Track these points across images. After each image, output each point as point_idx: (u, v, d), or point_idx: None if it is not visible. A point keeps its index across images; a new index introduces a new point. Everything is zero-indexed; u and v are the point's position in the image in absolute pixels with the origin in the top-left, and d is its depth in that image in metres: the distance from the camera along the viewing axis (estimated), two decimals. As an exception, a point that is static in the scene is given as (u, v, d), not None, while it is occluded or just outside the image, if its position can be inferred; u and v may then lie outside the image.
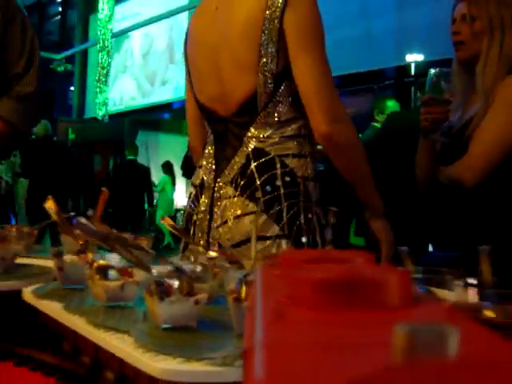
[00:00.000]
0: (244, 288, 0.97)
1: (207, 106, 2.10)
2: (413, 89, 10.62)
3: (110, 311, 1.15)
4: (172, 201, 13.82)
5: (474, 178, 2.24)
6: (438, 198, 2.48)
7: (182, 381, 0.85)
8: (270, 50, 1.91)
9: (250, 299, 0.71)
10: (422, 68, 10.20)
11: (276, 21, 1.89)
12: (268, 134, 1.96)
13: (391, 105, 5.86)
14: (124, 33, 16.86)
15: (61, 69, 18.69)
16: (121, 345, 0.98)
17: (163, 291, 1.01)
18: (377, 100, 6.03)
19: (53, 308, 1.22)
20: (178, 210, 14.14)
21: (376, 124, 5.56)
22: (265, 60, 1.91)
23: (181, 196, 14.56)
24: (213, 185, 2.04)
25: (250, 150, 1.97)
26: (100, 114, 14.43)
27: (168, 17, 15.31)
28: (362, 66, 11.05)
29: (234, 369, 0.84)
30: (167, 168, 13.67)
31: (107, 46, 14.80)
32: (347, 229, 4.85)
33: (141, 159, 15.19)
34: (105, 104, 14.22)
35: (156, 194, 13.36)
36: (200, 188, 2.10)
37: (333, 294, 0.55)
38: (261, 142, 1.96)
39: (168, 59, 16.53)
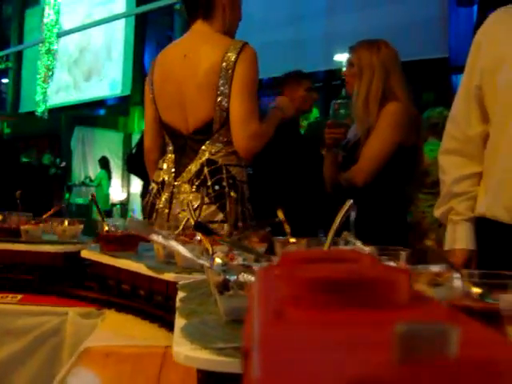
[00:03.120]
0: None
1: (170, 125, 2.75)
2: (342, 91, 10.70)
3: (211, 303, 1.20)
4: (108, 195, 13.67)
5: (363, 180, 2.96)
6: (340, 196, 2.96)
7: (189, 365, 0.91)
8: (224, 91, 2.58)
9: (248, 299, 0.70)
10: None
11: (230, 71, 2.57)
12: (218, 149, 2.64)
13: (314, 112, 6.03)
14: (66, 34, 16.62)
15: (2, 66, 18.32)
16: (176, 329, 1.05)
17: (223, 286, 1.04)
18: None
19: (178, 296, 1.33)
20: (113, 205, 14.01)
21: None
22: (220, 98, 2.59)
23: (117, 191, 14.45)
24: (172, 183, 2.69)
25: (204, 159, 2.63)
26: (39, 110, 14.19)
27: (106, 22, 15.22)
28: (292, 68, 11.07)
29: (237, 360, 0.84)
30: (103, 163, 13.55)
31: (53, 49, 14.69)
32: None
33: (77, 154, 15.05)
34: (45, 101, 14.00)
35: (92, 189, 13.21)
36: (161, 185, 2.73)
37: (333, 293, 0.53)
38: (212, 154, 2.63)
39: (105, 56, 16.32)
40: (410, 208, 5.28)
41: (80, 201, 13.78)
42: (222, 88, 2.58)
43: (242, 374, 0.47)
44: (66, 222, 2.43)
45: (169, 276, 1.60)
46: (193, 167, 2.64)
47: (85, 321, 1.92)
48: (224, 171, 2.61)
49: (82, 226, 2.46)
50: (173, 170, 2.71)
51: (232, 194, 2.56)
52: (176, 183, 2.67)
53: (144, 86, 2.87)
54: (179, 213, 2.61)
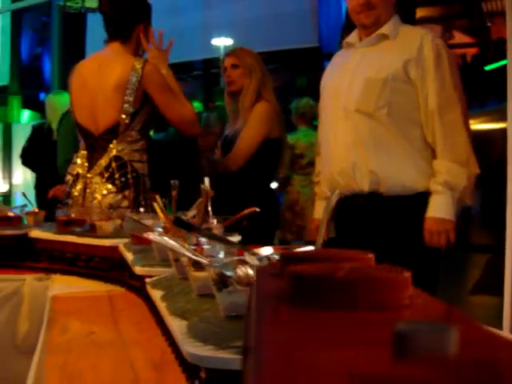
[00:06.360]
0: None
1: (82, 125, 3.24)
2: (221, 80, 10.78)
3: (196, 300, 1.18)
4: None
5: (236, 165, 3.50)
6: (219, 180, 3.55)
7: (206, 366, 0.88)
8: (130, 99, 3.07)
9: (248, 298, 0.67)
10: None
11: (137, 84, 3.06)
12: (123, 147, 3.13)
13: (197, 105, 6.02)
14: None
15: None
16: (176, 329, 1.02)
17: (221, 282, 1.01)
18: None
19: (156, 295, 1.33)
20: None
21: None
22: (126, 105, 3.08)
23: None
24: (86, 175, 3.17)
25: (112, 155, 3.12)
26: None
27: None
28: (173, 57, 11.00)
29: None
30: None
31: None
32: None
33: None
34: None
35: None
36: (76, 177, 3.21)
37: (332, 293, 0.51)
38: (119, 152, 3.12)
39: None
40: (287, 188, 5.67)
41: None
42: (127, 97, 3.06)
43: (242, 373, 0.46)
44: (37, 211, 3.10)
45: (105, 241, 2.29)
46: (102, 162, 3.13)
47: (38, 283, 2.41)
48: (128, 166, 3.12)
49: (43, 214, 3.05)
50: (86, 164, 3.20)
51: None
52: (89, 175, 3.16)
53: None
54: (92, 200, 3.10)
